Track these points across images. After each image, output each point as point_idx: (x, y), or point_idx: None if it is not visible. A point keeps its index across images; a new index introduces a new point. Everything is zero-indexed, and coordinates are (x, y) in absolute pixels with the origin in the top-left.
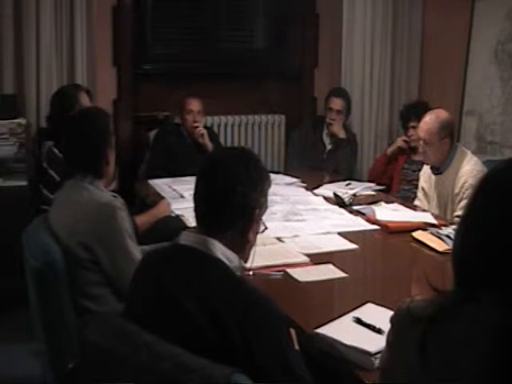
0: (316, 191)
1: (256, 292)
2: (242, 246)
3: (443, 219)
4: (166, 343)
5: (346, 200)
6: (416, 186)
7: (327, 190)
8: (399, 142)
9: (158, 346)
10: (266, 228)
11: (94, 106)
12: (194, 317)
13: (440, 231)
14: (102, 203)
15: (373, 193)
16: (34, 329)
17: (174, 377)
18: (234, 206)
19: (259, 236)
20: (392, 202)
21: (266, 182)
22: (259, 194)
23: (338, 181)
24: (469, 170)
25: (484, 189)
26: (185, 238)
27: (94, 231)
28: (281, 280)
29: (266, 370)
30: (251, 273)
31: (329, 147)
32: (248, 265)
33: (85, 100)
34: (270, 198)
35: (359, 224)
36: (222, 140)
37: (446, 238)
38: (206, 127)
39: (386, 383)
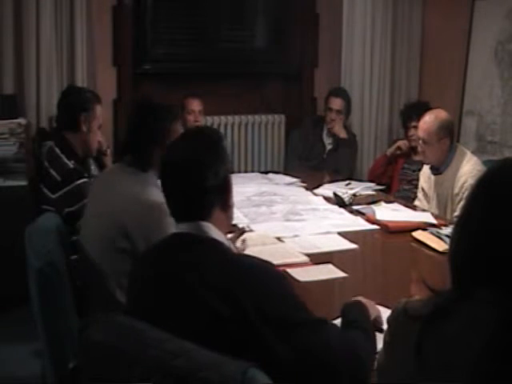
0: (316, 191)
1: (253, 264)
2: (227, 218)
3: (443, 219)
4: (175, 339)
5: (346, 200)
6: (416, 186)
7: (327, 189)
8: (400, 142)
9: (167, 343)
10: None
11: (161, 104)
12: (204, 299)
13: (440, 231)
14: (156, 203)
15: (373, 193)
16: (36, 329)
17: (188, 374)
18: (212, 190)
19: (259, 236)
20: (392, 202)
21: (225, 144)
22: (226, 162)
23: (338, 181)
24: (468, 170)
25: (481, 188)
26: (180, 228)
27: (141, 227)
28: None
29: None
30: None
31: (329, 147)
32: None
33: (100, 113)
34: (270, 197)
35: (359, 224)
36: None
37: (445, 238)
38: None
39: (383, 383)
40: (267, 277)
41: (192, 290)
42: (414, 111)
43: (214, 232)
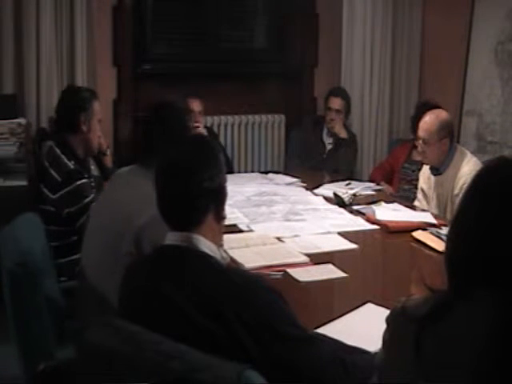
0: (316, 191)
1: (243, 277)
2: (219, 231)
3: (443, 219)
4: (169, 341)
5: (346, 200)
6: (416, 186)
7: (327, 189)
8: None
9: (162, 345)
10: None
11: (179, 105)
12: (192, 315)
13: (440, 231)
14: None
15: (373, 193)
16: (10, 329)
17: (184, 375)
18: (206, 194)
19: (259, 236)
20: (392, 202)
21: (222, 156)
22: (222, 171)
23: (338, 181)
24: (468, 170)
25: (475, 188)
26: (170, 239)
27: (150, 235)
28: (281, 280)
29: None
30: None
31: (329, 147)
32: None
33: (98, 109)
34: (270, 197)
35: (359, 224)
36: (221, 140)
37: (445, 238)
38: (205, 127)
39: (382, 383)
40: (256, 291)
41: (177, 306)
42: (425, 110)
43: (205, 244)
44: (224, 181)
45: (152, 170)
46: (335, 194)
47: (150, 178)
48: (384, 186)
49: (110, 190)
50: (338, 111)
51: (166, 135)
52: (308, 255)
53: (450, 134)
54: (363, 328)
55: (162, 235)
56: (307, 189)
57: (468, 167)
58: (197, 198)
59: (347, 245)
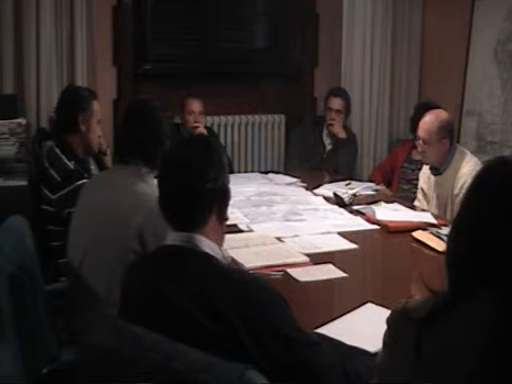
0: (316, 191)
1: (244, 277)
2: (221, 232)
3: (443, 219)
4: (171, 341)
5: (345, 200)
6: (415, 186)
7: (327, 189)
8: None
9: (164, 346)
10: None
11: (151, 98)
12: (193, 315)
13: (440, 231)
14: None
15: (373, 193)
16: (5, 332)
17: (186, 376)
18: (209, 194)
19: (259, 236)
20: (392, 202)
21: (226, 159)
22: (226, 173)
23: (338, 181)
24: (468, 170)
25: (475, 188)
26: (172, 239)
27: (152, 228)
28: (281, 280)
29: (269, 351)
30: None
31: (329, 147)
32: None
33: (97, 108)
34: (269, 197)
35: (359, 224)
36: (222, 140)
37: (446, 238)
38: (205, 127)
39: (382, 383)
40: (257, 291)
41: (179, 306)
42: (425, 110)
43: (207, 245)
44: (227, 181)
45: (134, 166)
46: (335, 194)
47: (133, 174)
48: (382, 188)
49: (94, 191)
50: (337, 111)
51: (146, 135)
52: (308, 255)
53: (449, 134)
54: (363, 328)
55: (164, 226)
56: (307, 189)
57: (468, 167)
58: (201, 198)
59: (347, 245)
